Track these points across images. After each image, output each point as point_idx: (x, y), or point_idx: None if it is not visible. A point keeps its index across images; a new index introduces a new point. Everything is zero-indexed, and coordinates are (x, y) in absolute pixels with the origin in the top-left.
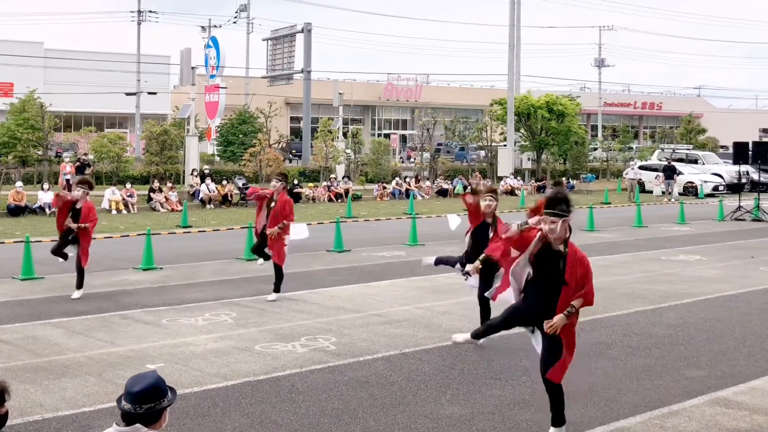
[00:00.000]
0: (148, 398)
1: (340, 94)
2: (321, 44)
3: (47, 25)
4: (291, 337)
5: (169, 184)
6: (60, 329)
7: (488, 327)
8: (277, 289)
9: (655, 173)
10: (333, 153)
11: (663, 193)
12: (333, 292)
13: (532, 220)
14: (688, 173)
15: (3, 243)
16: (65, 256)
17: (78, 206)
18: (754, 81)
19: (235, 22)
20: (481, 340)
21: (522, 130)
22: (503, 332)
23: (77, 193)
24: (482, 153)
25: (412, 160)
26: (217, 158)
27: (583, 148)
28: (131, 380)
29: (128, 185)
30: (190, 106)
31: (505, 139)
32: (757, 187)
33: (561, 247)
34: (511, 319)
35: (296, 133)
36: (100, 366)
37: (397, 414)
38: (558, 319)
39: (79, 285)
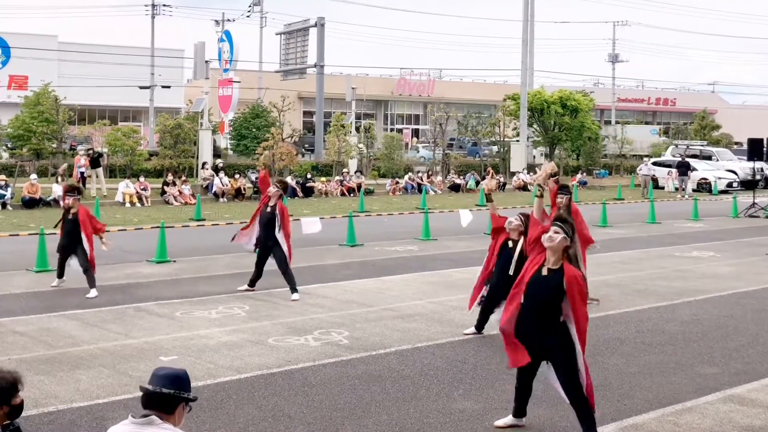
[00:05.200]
0: (171, 382)
1: (353, 88)
2: (334, 38)
3: (61, 18)
4: (304, 330)
5: (183, 177)
6: (74, 321)
7: (519, 395)
8: (294, 289)
9: (668, 169)
10: (345, 147)
11: (676, 189)
12: (346, 286)
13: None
14: (702, 169)
15: (18, 235)
16: (61, 274)
17: (73, 211)
18: None
19: (248, 16)
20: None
21: (535, 126)
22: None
23: (69, 201)
24: (495, 148)
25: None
26: (230, 152)
27: (596, 143)
28: (159, 367)
29: (142, 178)
30: (203, 99)
31: (517, 135)
32: None
33: (556, 267)
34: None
35: (309, 127)
36: (113, 358)
37: (410, 408)
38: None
39: (92, 284)
